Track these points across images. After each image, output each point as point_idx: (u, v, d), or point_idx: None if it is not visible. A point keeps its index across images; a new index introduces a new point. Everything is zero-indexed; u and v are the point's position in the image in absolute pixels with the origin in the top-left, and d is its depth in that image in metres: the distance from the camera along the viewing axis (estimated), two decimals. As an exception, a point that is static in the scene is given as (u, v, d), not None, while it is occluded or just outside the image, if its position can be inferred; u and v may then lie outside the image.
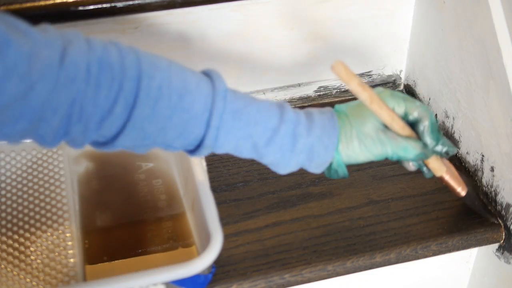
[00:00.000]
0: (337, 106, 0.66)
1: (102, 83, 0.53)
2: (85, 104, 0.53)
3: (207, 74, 0.61)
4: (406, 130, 0.64)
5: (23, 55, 0.48)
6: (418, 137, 0.65)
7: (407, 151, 0.64)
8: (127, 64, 0.54)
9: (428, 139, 0.65)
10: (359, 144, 0.63)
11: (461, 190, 0.73)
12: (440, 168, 0.69)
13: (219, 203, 0.70)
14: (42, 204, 0.76)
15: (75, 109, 0.53)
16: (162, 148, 0.60)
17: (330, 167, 0.65)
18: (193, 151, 0.61)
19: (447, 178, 0.71)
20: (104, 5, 0.75)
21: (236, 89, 0.61)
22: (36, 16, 0.73)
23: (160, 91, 0.56)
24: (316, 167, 0.64)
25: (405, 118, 0.65)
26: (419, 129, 0.65)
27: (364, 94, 0.62)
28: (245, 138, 0.61)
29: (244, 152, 0.62)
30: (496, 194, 0.78)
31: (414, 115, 0.64)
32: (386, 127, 0.64)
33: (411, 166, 0.68)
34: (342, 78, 0.61)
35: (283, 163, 0.63)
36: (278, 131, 0.61)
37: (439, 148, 0.66)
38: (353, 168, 0.85)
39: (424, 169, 0.69)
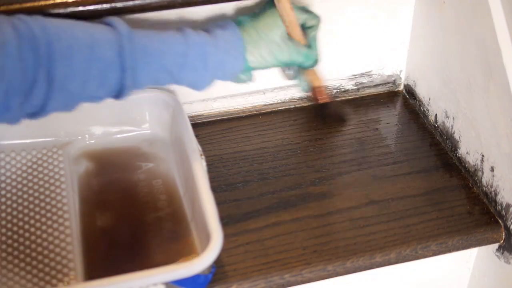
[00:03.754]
0: (239, 17, 0.74)
1: (24, 55, 0.58)
2: (17, 77, 0.58)
3: (107, 23, 0.66)
4: (304, 38, 0.75)
5: None
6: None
7: (307, 57, 0.75)
8: (36, 33, 0.59)
9: (314, 46, 0.77)
10: (267, 51, 0.72)
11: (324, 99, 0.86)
12: (316, 79, 0.82)
13: (219, 203, 0.70)
14: (42, 204, 0.76)
15: (13, 83, 0.58)
16: (89, 102, 0.66)
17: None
18: (117, 95, 0.67)
19: (317, 85, 0.83)
20: (104, 5, 0.75)
21: (137, 29, 0.67)
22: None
23: (71, 49, 0.61)
24: (229, 76, 0.73)
25: (302, 26, 0.76)
26: (308, 35, 0.77)
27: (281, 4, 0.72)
28: (160, 70, 0.67)
29: (162, 81, 0.69)
30: (496, 194, 0.78)
31: (311, 23, 0.76)
32: (288, 35, 0.74)
33: (290, 75, 0.82)
34: None
35: (199, 81, 0.71)
36: (187, 56, 0.67)
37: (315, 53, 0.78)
38: (353, 168, 0.85)
39: (302, 80, 0.82)
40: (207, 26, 0.73)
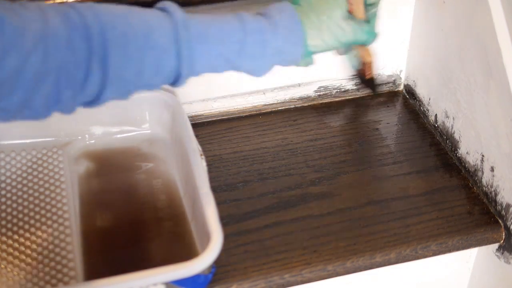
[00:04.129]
0: None
1: (76, 46, 0.56)
2: (68, 69, 0.56)
3: (162, 9, 0.64)
4: (365, 15, 0.72)
5: (16, 30, 0.52)
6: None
7: (370, 35, 0.72)
8: (89, 22, 0.57)
9: (373, 23, 0.73)
10: (329, 34, 0.69)
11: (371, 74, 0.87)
12: (368, 54, 0.82)
13: (219, 203, 0.70)
14: (42, 204, 0.76)
15: (62, 75, 0.56)
16: (146, 90, 0.64)
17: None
18: (174, 82, 0.65)
19: (368, 61, 0.83)
20: (104, 5, 0.75)
21: (193, 14, 0.64)
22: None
23: (125, 37, 0.59)
24: (289, 63, 0.70)
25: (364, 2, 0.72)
26: (368, 11, 0.72)
27: None
28: (217, 57, 0.64)
29: (220, 68, 0.66)
30: (496, 194, 0.78)
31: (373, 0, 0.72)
32: (350, 14, 0.70)
33: (341, 51, 0.79)
34: None
35: (258, 69, 0.68)
36: (245, 42, 0.65)
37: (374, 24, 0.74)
38: (353, 168, 0.85)
39: (352, 56, 0.81)
40: (264, 8, 0.69)
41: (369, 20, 0.73)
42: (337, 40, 0.70)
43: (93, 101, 0.61)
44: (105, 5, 0.61)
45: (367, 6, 0.73)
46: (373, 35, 0.73)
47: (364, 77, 0.89)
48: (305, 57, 0.70)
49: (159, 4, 0.65)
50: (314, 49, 0.70)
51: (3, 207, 0.75)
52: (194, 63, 0.63)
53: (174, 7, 0.63)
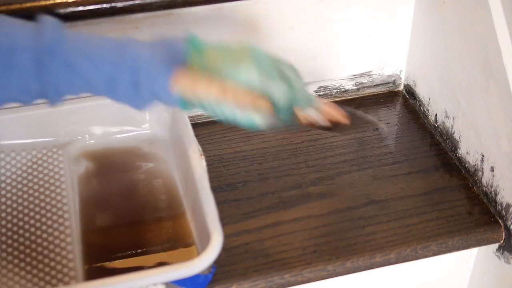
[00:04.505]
0: (196, 40, 0.60)
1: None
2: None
3: (40, 22, 0.60)
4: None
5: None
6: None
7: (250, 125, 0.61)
8: None
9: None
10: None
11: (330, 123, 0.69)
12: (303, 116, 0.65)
13: (219, 203, 0.70)
14: (42, 204, 0.76)
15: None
16: (16, 103, 0.61)
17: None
18: (50, 102, 0.61)
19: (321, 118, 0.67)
20: (104, 5, 0.75)
21: (69, 34, 0.59)
22: (36, 16, 0.73)
23: None
24: (167, 105, 0.62)
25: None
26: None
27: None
28: (85, 86, 0.60)
29: (98, 91, 0.61)
30: (496, 194, 0.78)
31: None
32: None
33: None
34: None
35: (134, 105, 0.62)
36: (117, 80, 0.59)
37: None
38: (353, 168, 0.85)
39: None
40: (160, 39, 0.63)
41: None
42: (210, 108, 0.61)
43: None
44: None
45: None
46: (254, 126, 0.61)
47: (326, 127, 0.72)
48: (182, 105, 0.61)
49: (41, 16, 0.61)
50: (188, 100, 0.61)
51: (3, 207, 0.75)
52: (60, 89, 0.60)
53: (49, 24, 0.59)
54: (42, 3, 0.73)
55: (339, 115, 0.68)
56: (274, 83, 0.60)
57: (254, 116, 0.61)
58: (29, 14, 0.72)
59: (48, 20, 0.60)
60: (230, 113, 0.60)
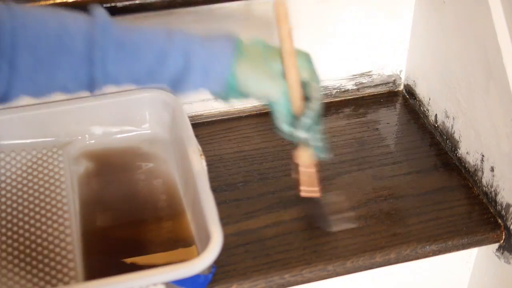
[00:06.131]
0: (256, 39, 0.67)
1: None
2: None
3: (90, 13, 0.61)
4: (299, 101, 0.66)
5: None
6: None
7: (286, 115, 0.67)
8: (3, 20, 0.56)
9: (307, 120, 0.67)
10: (262, 75, 0.65)
11: (306, 192, 0.72)
12: (303, 158, 0.70)
13: (219, 203, 0.70)
14: (42, 204, 0.76)
15: None
16: (60, 93, 0.61)
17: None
18: (90, 89, 0.61)
19: (302, 170, 0.71)
20: (104, 5, 0.75)
21: (120, 21, 0.60)
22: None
23: (37, 38, 0.57)
24: (213, 85, 0.64)
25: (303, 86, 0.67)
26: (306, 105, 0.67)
27: (287, 45, 0.65)
28: (136, 66, 0.60)
29: (142, 80, 0.62)
30: (496, 194, 0.78)
31: (312, 94, 0.67)
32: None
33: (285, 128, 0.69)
34: (278, 18, 0.65)
35: (181, 84, 0.63)
36: (167, 54, 0.61)
37: (307, 135, 0.67)
38: (353, 168, 0.85)
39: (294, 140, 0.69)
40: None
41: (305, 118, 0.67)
42: (260, 86, 0.65)
43: (1, 98, 0.59)
44: (26, 5, 0.59)
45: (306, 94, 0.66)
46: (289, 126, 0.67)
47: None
48: (229, 86, 0.63)
49: (90, 6, 0.61)
50: (238, 82, 0.64)
51: (3, 207, 0.75)
52: (109, 70, 0.60)
53: (100, 12, 0.60)
54: (42, 3, 0.74)
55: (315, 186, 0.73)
56: (316, 76, 0.68)
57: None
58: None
59: (96, 7, 0.61)
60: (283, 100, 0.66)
